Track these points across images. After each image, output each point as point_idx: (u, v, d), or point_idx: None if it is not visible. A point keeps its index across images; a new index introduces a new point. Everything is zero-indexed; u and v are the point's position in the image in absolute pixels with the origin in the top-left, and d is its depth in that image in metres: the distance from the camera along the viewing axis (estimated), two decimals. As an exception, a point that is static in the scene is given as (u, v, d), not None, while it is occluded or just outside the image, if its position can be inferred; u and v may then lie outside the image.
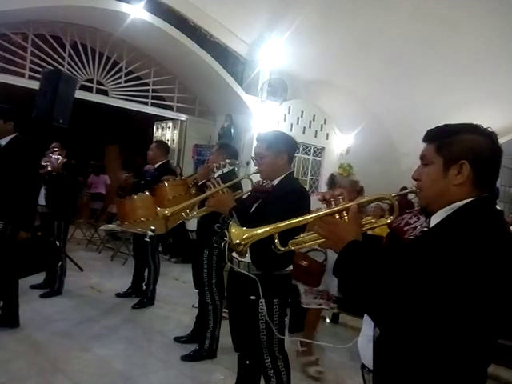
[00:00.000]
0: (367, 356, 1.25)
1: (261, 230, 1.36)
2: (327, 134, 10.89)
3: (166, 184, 3.53)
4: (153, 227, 3.73)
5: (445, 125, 1.24)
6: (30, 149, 3.79)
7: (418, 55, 8.26)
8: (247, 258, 2.40)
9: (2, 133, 3.62)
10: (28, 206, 3.61)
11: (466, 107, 7.96)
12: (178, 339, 3.94)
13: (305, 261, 3.50)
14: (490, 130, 1.21)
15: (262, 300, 2.39)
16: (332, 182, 3.84)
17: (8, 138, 3.62)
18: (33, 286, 4.91)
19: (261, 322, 2.41)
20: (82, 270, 5.99)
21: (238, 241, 1.40)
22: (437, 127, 1.25)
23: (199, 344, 3.67)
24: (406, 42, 8.06)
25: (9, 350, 3.38)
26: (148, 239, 4.63)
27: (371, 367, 1.25)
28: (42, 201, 4.92)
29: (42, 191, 4.95)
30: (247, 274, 2.39)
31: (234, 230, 1.42)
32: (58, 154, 4.93)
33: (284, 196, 2.33)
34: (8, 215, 3.50)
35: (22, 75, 7.78)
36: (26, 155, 3.67)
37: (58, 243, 4.09)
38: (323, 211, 1.28)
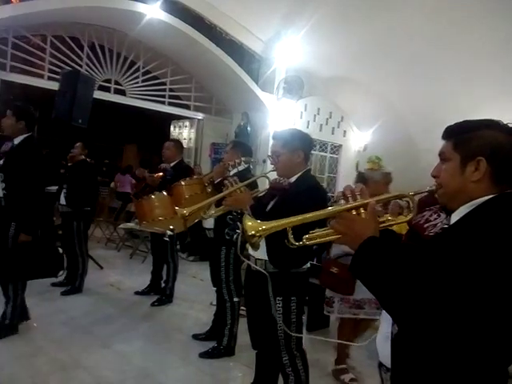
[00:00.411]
0: (385, 354, 1.24)
1: (276, 223, 1.36)
2: (344, 131, 10.81)
3: (183, 183, 3.55)
4: (172, 226, 3.77)
5: (464, 121, 1.22)
6: (40, 150, 3.68)
7: (437, 53, 8.13)
8: (264, 256, 2.41)
9: (14, 132, 3.54)
10: (30, 209, 3.45)
11: (489, 102, 7.79)
12: (196, 337, 3.97)
13: (335, 267, 3.29)
14: (511, 125, 1.18)
15: (280, 298, 2.39)
16: (362, 179, 3.45)
17: (21, 138, 3.53)
18: (54, 284, 4.99)
19: (278, 320, 2.41)
20: (101, 267, 6.08)
21: (252, 232, 1.40)
22: (456, 123, 1.23)
23: (217, 341, 3.69)
24: (425, 39, 7.95)
25: (32, 346, 3.46)
26: (167, 238, 4.69)
27: (389, 365, 1.23)
28: (62, 200, 5.02)
29: (63, 191, 5.05)
30: (261, 270, 2.40)
31: (249, 223, 1.43)
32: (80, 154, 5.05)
33: (301, 193, 2.33)
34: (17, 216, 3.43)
35: (42, 76, 7.92)
36: (35, 156, 3.52)
37: (60, 250, 3.86)
38: (341, 206, 1.27)
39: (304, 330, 2.77)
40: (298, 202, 2.21)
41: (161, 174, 4.51)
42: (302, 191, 2.35)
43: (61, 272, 3.77)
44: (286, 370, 2.50)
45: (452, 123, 1.25)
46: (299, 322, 2.49)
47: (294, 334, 2.42)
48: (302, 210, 1.34)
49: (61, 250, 3.86)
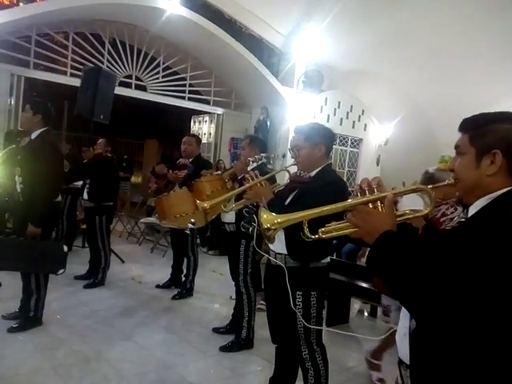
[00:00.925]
0: (404, 351, 1.22)
1: (292, 216, 1.36)
2: (365, 125, 10.71)
3: (204, 180, 3.57)
4: (193, 220, 3.79)
5: (480, 114, 1.20)
6: (56, 145, 3.69)
7: (462, 42, 7.96)
8: (283, 250, 2.41)
9: (31, 126, 3.56)
10: (43, 202, 3.42)
11: (512, 95, 7.61)
12: (216, 330, 3.99)
13: None
14: None
15: (300, 292, 2.39)
16: (430, 180, 3.01)
17: (37, 132, 3.53)
18: (77, 277, 5.10)
19: (298, 315, 2.41)
20: (123, 261, 6.16)
21: (268, 225, 1.39)
22: (472, 116, 1.22)
23: (236, 334, 3.72)
24: (449, 28, 7.79)
25: (55, 338, 3.53)
26: (188, 231, 4.72)
27: (408, 362, 1.22)
28: (85, 195, 5.11)
29: (86, 186, 5.13)
30: (279, 263, 2.40)
31: (264, 216, 1.42)
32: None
33: (321, 187, 2.31)
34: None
35: (64, 73, 8.04)
36: (50, 150, 3.52)
37: (66, 248, 3.92)
38: (357, 199, 1.26)
39: (324, 325, 2.75)
40: (318, 195, 2.19)
41: (184, 171, 4.49)
42: (323, 185, 2.34)
43: (61, 270, 3.72)
44: (305, 365, 2.50)
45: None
46: (319, 316, 2.48)
47: (313, 327, 2.42)
48: (322, 204, 1.33)
49: (66, 248, 3.82)
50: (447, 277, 1.00)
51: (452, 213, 1.25)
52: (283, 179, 3.07)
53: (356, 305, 5.12)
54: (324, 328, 2.60)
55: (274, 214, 1.42)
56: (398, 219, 1.25)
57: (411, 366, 1.20)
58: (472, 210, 1.17)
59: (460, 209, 1.24)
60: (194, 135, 5.00)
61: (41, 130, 3.55)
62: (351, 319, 4.60)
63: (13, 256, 3.42)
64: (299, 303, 2.40)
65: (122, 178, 11.40)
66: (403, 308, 1.22)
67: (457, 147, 1.22)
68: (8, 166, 3.76)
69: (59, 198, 3.75)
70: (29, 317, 3.63)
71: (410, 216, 1.28)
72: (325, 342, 2.57)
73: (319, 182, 2.39)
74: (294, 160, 2.56)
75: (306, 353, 2.48)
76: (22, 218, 3.51)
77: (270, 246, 2.51)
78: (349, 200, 1.30)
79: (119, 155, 12.35)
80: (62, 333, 3.65)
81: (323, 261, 2.48)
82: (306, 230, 1.32)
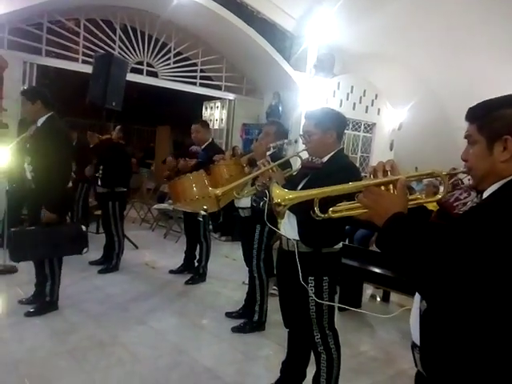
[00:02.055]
0: (416, 332, 1.22)
1: (303, 193, 1.34)
2: (378, 110, 10.59)
3: (222, 163, 3.55)
4: (205, 206, 3.78)
5: (484, 101, 1.19)
6: (64, 129, 3.67)
7: (478, 22, 7.77)
8: (295, 236, 2.40)
9: (34, 115, 3.54)
10: (55, 187, 3.42)
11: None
12: (229, 314, 4.03)
13: None
14: None
15: (312, 277, 2.39)
16: None
17: (43, 119, 3.52)
18: (92, 263, 5.16)
19: (310, 299, 2.41)
20: (137, 247, 6.22)
21: (278, 200, 1.39)
22: (477, 105, 1.20)
23: (248, 318, 3.76)
24: (465, 8, 7.60)
25: (70, 323, 3.59)
26: (201, 218, 4.73)
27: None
28: (99, 181, 5.13)
29: (99, 172, 5.16)
30: (290, 240, 2.39)
31: (276, 191, 1.42)
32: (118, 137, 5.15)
33: (333, 173, 2.28)
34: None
35: (76, 60, 8.06)
36: (58, 137, 3.50)
37: (84, 228, 3.87)
38: (369, 181, 1.24)
39: (336, 310, 2.76)
40: (331, 181, 2.17)
41: (193, 160, 4.47)
42: (335, 171, 2.31)
43: (85, 249, 3.80)
44: (317, 349, 2.51)
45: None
46: (331, 301, 2.48)
47: (326, 313, 2.43)
48: None
49: (84, 228, 3.89)
50: (457, 258, 0.99)
51: (465, 198, 1.24)
52: (295, 165, 3.04)
53: (368, 290, 5.12)
54: (336, 314, 2.60)
55: (286, 190, 1.42)
56: (410, 203, 1.24)
57: (421, 348, 1.20)
58: (485, 195, 1.16)
59: (474, 194, 1.23)
60: (200, 121, 4.93)
61: (46, 116, 3.53)
62: (364, 304, 4.60)
63: (39, 243, 3.52)
64: (311, 288, 2.40)
65: (145, 164, 11.57)
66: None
67: (467, 137, 1.21)
68: (19, 154, 3.79)
69: (70, 184, 3.77)
70: (45, 301, 3.70)
71: (422, 201, 1.27)
72: (337, 326, 2.57)
73: (331, 168, 2.37)
74: (305, 145, 2.54)
75: (318, 337, 2.49)
76: (36, 205, 3.54)
77: (282, 231, 2.51)
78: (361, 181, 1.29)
79: (145, 144, 12.41)
80: (77, 317, 3.71)
81: (336, 246, 2.47)
82: (317, 209, 1.31)
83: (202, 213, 4.51)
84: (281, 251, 2.64)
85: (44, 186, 3.44)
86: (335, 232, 2.42)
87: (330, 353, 2.50)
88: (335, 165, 2.41)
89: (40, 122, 3.54)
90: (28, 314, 3.59)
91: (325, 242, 2.42)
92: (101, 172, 5.09)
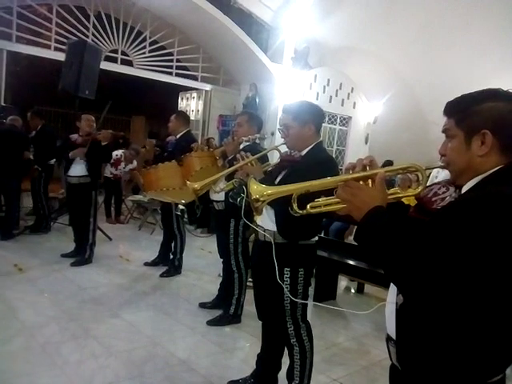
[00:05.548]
0: (391, 326, 1.23)
1: (281, 189, 1.34)
2: (354, 103, 10.66)
3: (194, 155, 3.52)
4: (183, 200, 3.75)
5: (462, 96, 1.19)
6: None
7: (451, 17, 7.88)
8: (273, 227, 2.40)
9: None
10: None
11: (504, 72, 7.59)
12: (203, 305, 4.03)
13: None
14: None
15: (288, 268, 2.40)
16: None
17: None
18: (64, 255, 5.06)
19: (285, 290, 2.42)
20: (110, 239, 6.14)
21: (257, 196, 1.38)
22: (455, 99, 1.20)
23: (224, 310, 3.76)
24: (438, 2, 7.70)
25: (44, 316, 3.52)
26: (179, 212, 4.68)
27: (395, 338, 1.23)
28: (72, 172, 4.94)
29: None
30: (266, 235, 2.39)
31: (254, 187, 1.40)
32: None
33: (312, 166, 2.28)
34: None
35: (48, 47, 7.83)
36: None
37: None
38: (348, 175, 1.24)
39: (310, 302, 2.78)
40: (309, 174, 2.17)
41: (157, 148, 4.74)
42: (313, 164, 2.31)
43: None
44: (290, 341, 2.53)
45: (456, 96, 1.21)
46: (305, 293, 2.49)
47: (299, 304, 2.44)
48: None
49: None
50: (435, 253, 1.00)
51: (444, 192, 1.25)
52: (273, 158, 3.02)
53: (343, 282, 5.18)
54: (310, 305, 2.62)
55: (263, 185, 1.41)
56: (389, 197, 1.24)
57: (397, 341, 1.21)
58: (464, 190, 1.17)
59: (452, 189, 1.24)
60: (177, 111, 4.93)
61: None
62: (338, 296, 4.66)
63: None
64: (287, 279, 2.41)
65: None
66: (391, 283, 1.22)
67: (445, 131, 1.21)
68: None
69: None
70: None
71: (401, 195, 1.27)
72: (312, 318, 2.60)
73: (310, 161, 2.37)
74: (283, 140, 2.53)
75: (291, 329, 2.50)
76: None
77: (259, 222, 2.51)
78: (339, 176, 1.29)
79: (116, 133, 12.13)
80: (49, 311, 3.63)
81: (312, 239, 2.49)
82: (295, 205, 1.31)
83: (181, 207, 4.48)
84: (257, 243, 2.64)
85: None
86: (313, 225, 2.44)
87: (302, 345, 2.52)
88: (314, 158, 2.40)
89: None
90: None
91: (302, 235, 2.43)
92: (85, 164, 4.90)
